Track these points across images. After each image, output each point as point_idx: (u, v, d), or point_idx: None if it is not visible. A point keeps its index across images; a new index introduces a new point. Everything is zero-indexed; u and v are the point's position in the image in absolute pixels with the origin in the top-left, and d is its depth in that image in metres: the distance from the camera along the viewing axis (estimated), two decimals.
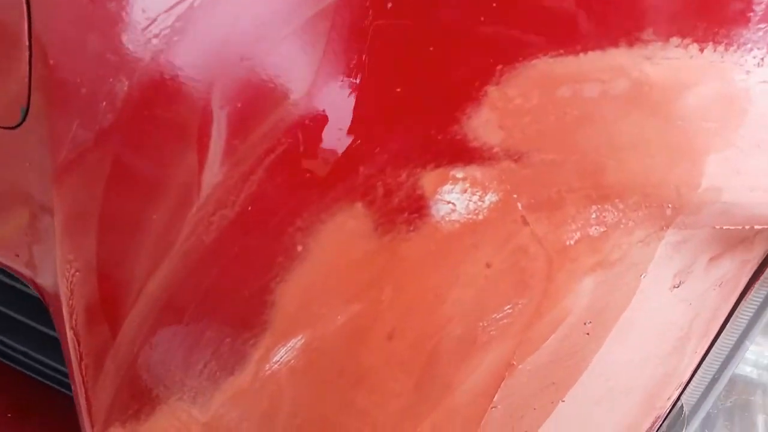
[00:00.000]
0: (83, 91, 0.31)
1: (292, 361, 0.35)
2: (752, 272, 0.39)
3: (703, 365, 0.43)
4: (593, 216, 0.33)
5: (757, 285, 0.41)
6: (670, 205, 0.34)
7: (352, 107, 0.31)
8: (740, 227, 0.36)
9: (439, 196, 0.32)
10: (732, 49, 0.32)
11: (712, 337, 0.40)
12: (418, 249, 0.33)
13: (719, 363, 0.43)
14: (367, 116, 0.31)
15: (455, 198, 0.32)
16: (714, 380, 0.43)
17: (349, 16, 0.30)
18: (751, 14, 0.32)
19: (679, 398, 0.43)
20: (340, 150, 0.32)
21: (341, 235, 0.32)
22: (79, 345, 0.36)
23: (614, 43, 0.31)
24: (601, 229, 0.34)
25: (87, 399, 0.37)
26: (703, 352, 0.41)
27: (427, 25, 0.30)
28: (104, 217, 0.33)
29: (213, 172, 0.32)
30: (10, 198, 0.36)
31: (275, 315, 0.34)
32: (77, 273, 0.34)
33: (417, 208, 0.32)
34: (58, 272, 0.35)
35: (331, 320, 0.34)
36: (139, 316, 0.34)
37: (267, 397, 0.36)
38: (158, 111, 0.31)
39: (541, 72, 0.31)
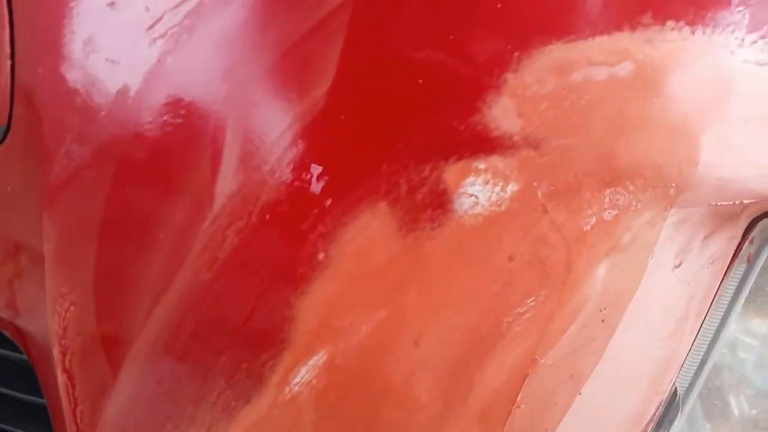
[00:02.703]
0: (78, 100, 0.28)
1: (314, 381, 0.33)
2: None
3: (693, 346, 0.44)
4: (607, 199, 0.34)
5: (736, 262, 0.43)
6: (673, 184, 0.35)
7: (372, 103, 0.30)
8: (731, 203, 0.38)
9: (462, 190, 0.32)
10: (718, 30, 0.34)
11: (702, 315, 0.42)
12: (443, 247, 0.32)
13: (707, 342, 0.45)
14: (388, 111, 0.30)
15: (478, 190, 0.32)
16: (703, 361, 0.45)
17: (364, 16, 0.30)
18: None
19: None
20: (362, 148, 0.30)
21: (364, 238, 0.31)
22: (73, 389, 0.32)
23: (619, 28, 0.32)
24: (614, 213, 0.34)
25: None
26: (697, 329, 0.42)
27: (445, 15, 0.30)
28: (104, 240, 0.30)
29: (227, 182, 0.30)
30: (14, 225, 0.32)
31: (295, 331, 0.32)
32: (72, 307, 0.31)
33: (441, 203, 0.31)
34: (48, 308, 0.31)
35: (354, 332, 0.32)
36: (144, 349, 0.31)
37: (287, 424, 0.33)
38: (167, 119, 0.29)
39: (556, 57, 0.31)
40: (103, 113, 0.28)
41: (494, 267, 0.33)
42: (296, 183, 0.30)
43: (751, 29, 0.35)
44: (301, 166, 0.30)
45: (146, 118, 0.29)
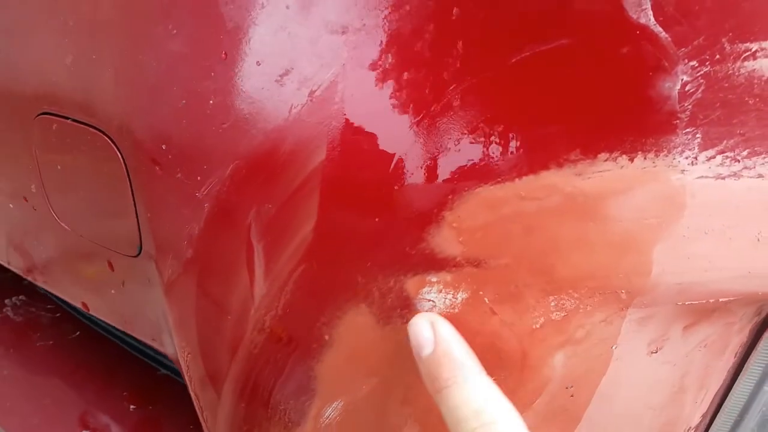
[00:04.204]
0: (172, 234, 0.45)
1: (338, 418, 0.46)
2: (745, 331, 0.42)
3: (724, 409, 0.46)
4: (552, 304, 0.40)
5: (765, 336, 0.44)
6: (623, 291, 0.39)
7: (347, 236, 0.41)
8: (704, 301, 0.40)
9: (420, 296, 0.41)
10: (663, 154, 0.37)
11: (715, 388, 0.44)
12: None
13: (742, 405, 0.46)
14: (358, 240, 0.41)
15: (433, 297, 0.41)
16: (737, 422, 0.46)
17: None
18: (677, 121, 0.37)
19: None
20: (343, 266, 0.42)
21: (354, 327, 0.43)
22: (198, 402, 0.50)
23: (545, 167, 0.37)
24: (562, 314, 0.40)
25: None
26: (709, 400, 0.44)
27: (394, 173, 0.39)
28: (198, 317, 0.47)
29: (260, 287, 0.44)
30: (143, 305, 0.51)
31: (319, 385, 0.45)
32: (189, 354, 0.48)
33: (406, 305, 0.41)
34: (178, 353, 0.49)
35: (358, 389, 0.44)
36: (230, 385, 0.47)
37: None
38: (219, 246, 0.44)
39: (484, 197, 0.38)
40: (184, 243, 0.44)
41: None
42: (302, 289, 0.43)
43: (706, 146, 0.37)
44: (304, 281, 0.43)
45: (207, 245, 0.44)
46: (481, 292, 0.40)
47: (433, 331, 0.37)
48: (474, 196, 0.38)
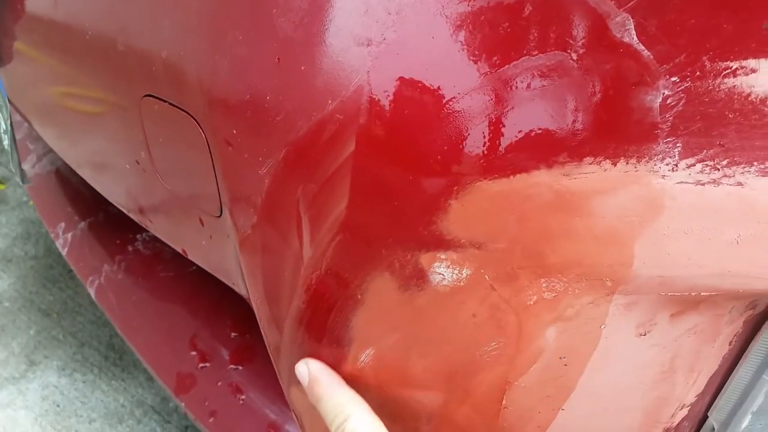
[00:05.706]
0: (242, 201, 0.54)
1: (371, 362, 0.54)
2: (737, 322, 0.45)
3: (727, 389, 0.49)
4: (543, 285, 0.45)
5: (765, 327, 0.46)
6: (607, 279, 0.44)
7: (372, 215, 0.48)
8: (687, 294, 0.43)
9: (432, 269, 0.48)
10: (644, 160, 0.41)
11: (709, 371, 0.47)
12: (428, 302, 0.49)
13: (743, 386, 0.49)
14: (384, 220, 0.48)
15: (443, 271, 0.47)
16: (738, 404, 0.49)
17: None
18: (658, 131, 0.40)
19: (705, 417, 0.50)
20: (369, 240, 0.49)
21: (379, 291, 0.50)
22: (267, 337, 0.61)
23: (535, 167, 0.42)
24: (553, 294, 0.45)
25: (277, 369, 0.62)
26: (703, 382, 0.48)
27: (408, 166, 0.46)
28: (263, 270, 0.56)
29: (307, 250, 0.52)
30: (225, 255, 0.61)
31: (354, 334, 0.53)
32: (258, 299, 0.58)
33: (421, 276, 0.48)
34: (251, 297, 0.60)
35: (383, 341, 0.52)
36: (288, 328, 0.57)
37: (363, 378, 0.56)
38: (276, 214, 0.53)
39: (483, 189, 0.44)
40: (251, 210, 0.54)
41: (463, 319, 0.48)
42: (339, 256, 0.51)
43: (687, 155, 0.40)
44: (340, 249, 0.51)
45: (265, 215, 0.53)
46: (482, 270, 0.46)
47: (307, 368, 0.54)
48: (475, 188, 0.44)
